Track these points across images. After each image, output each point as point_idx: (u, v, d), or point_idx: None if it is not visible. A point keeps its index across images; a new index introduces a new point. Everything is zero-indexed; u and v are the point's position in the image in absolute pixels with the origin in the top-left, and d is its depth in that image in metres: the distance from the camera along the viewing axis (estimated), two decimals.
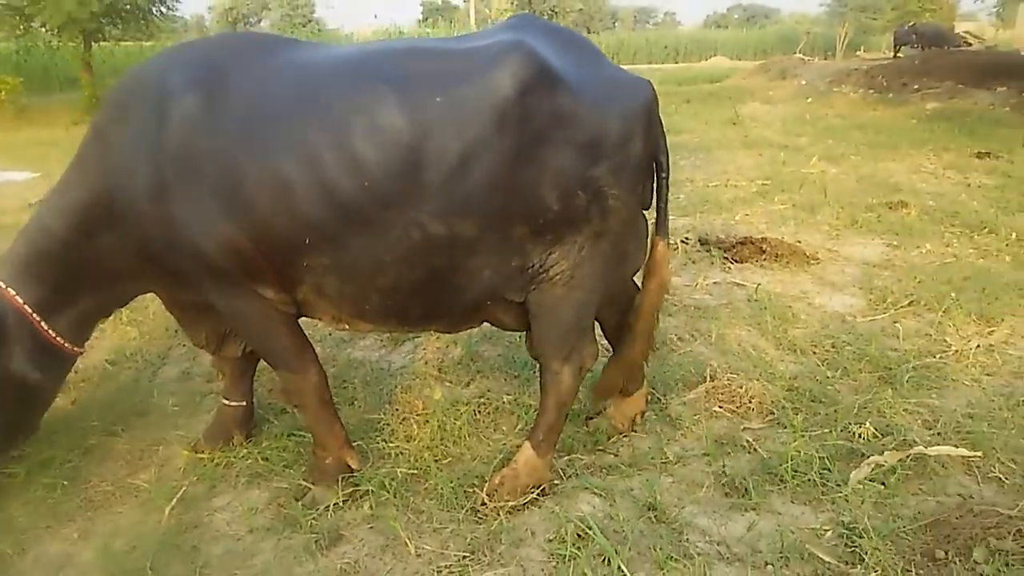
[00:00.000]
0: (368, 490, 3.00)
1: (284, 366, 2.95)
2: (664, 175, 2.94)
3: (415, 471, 3.15)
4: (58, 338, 2.87)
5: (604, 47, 53.37)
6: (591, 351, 3.01)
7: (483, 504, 2.89)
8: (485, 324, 3.08)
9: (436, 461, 3.22)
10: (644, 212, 3.01)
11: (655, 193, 2.97)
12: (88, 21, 20.07)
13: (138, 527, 2.85)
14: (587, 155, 2.61)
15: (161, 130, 2.55)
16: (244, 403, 3.43)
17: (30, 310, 2.79)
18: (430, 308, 2.82)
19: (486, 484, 2.96)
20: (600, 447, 3.31)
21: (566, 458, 3.22)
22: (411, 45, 2.78)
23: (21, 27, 21.75)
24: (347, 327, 2.93)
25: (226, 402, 3.42)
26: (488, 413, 3.63)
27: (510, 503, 2.86)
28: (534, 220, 2.62)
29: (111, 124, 2.74)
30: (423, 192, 2.49)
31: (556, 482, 3.04)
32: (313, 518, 2.85)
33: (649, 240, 3.07)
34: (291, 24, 60.42)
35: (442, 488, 2.98)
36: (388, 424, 3.52)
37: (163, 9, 22.81)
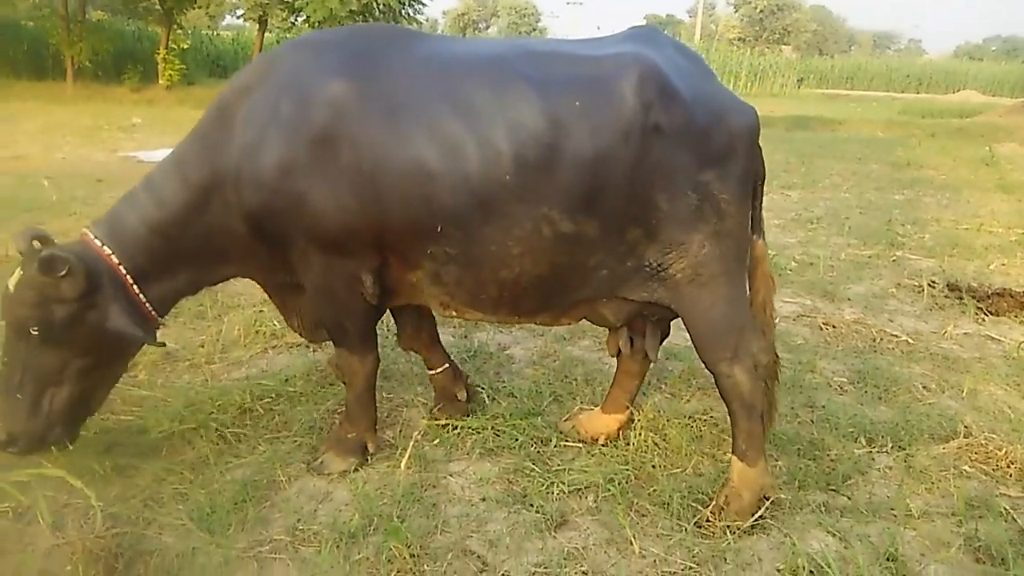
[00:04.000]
0: (594, 483, 3.08)
1: (348, 346, 3.10)
2: (758, 202, 2.97)
3: (637, 474, 3.19)
4: (147, 305, 2.90)
5: (837, 71, 50.44)
6: (760, 346, 2.89)
7: (707, 521, 2.87)
8: None
9: (654, 468, 3.23)
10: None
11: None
12: (346, 18, 22.15)
13: (386, 477, 3.13)
14: (695, 161, 2.72)
15: (301, 110, 2.69)
16: (446, 365, 3.63)
17: (125, 272, 2.82)
18: (543, 301, 2.94)
19: (712, 503, 2.94)
20: (833, 487, 3.15)
21: (798, 492, 3.11)
22: (547, 47, 2.93)
23: (289, 20, 24.47)
24: (453, 314, 3.04)
25: (432, 372, 3.63)
26: (712, 431, 3.59)
27: (738, 523, 2.82)
28: (647, 222, 2.73)
29: (240, 102, 2.81)
30: (556, 188, 2.64)
31: (782, 513, 2.95)
32: (542, 499, 2.97)
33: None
34: (516, 31, 62.81)
35: (668, 496, 2.99)
36: None
37: (410, 11, 24.66)
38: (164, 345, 3.20)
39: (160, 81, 23.06)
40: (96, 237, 2.81)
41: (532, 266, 2.75)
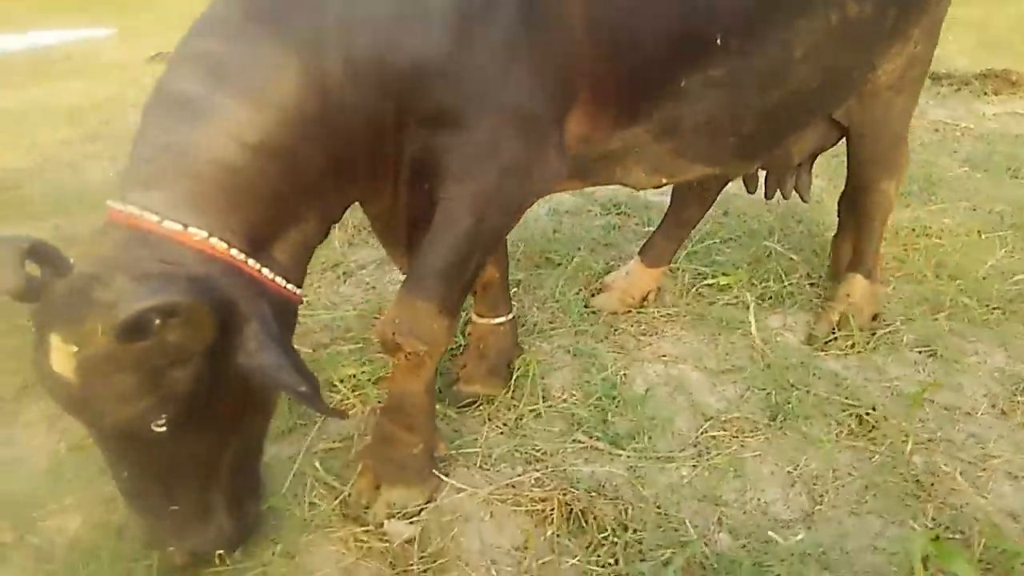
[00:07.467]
0: None
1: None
2: None
3: None
4: (276, 281, 1.77)
5: None
6: (907, 157, 2.78)
7: (829, 339, 2.77)
8: None
9: None
10: None
11: None
12: None
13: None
14: None
15: None
16: (511, 315, 2.66)
17: (244, 257, 1.68)
18: (786, 130, 2.36)
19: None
20: None
21: None
22: None
23: None
24: (664, 181, 2.25)
25: (482, 320, 2.61)
26: None
27: (855, 340, 2.70)
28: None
29: None
30: None
31: None
32: None
33: None
34: None
35: None
36: None
37: None
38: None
39: None
40: (162, 216, 1.57)
41: (808, 75, 2.08)
